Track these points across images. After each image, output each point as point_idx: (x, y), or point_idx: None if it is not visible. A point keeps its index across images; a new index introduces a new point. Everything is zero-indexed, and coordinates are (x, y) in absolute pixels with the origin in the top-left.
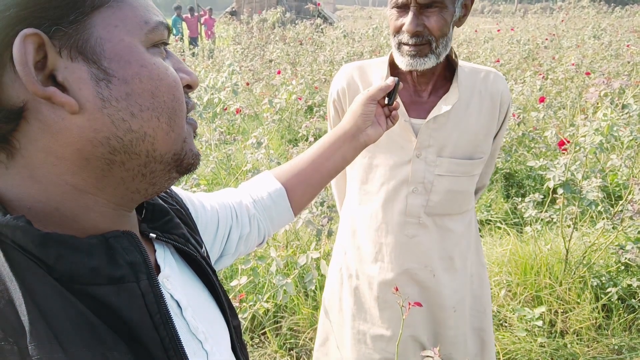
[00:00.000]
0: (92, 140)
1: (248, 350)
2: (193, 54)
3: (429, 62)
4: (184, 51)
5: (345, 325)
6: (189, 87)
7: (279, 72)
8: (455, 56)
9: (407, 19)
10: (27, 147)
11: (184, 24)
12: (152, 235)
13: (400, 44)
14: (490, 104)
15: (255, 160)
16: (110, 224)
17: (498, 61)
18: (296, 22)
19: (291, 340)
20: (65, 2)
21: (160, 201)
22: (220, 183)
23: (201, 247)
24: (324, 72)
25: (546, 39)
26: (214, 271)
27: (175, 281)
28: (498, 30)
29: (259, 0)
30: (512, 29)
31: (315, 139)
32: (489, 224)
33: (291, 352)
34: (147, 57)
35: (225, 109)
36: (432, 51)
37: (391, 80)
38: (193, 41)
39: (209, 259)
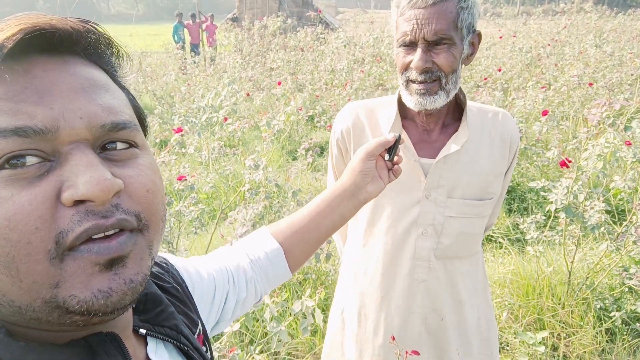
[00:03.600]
0: None
1: None
2: (194, 62)
3: (439, 101)
4: (185, 58)
5: None
6: (90, 202)
7: (279, 84)
8: (464, 96)
9: (416, 56)
10: None
11: (186, 31)
12: (142, 331)
13: (408, 82)
14: (500, 145)
15: (253, 181)
16: (84, 331)
17: (500, 70)
18: (297, 28)
19: None
20: None
21: (155, 287)
22: (220, 198)
23: (197, 327)
24: (324, 80)
25: (548, 45)
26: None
27: None
28: (500, 37)
29: (260, 6)
30: (514, 35)
31: (316, 154)
32: (490, 241)
33: None
34: None
35: (225, 119)
36: (442, 88)
37: (392, 135)
38: (194, 48)
39: (207, 334)
